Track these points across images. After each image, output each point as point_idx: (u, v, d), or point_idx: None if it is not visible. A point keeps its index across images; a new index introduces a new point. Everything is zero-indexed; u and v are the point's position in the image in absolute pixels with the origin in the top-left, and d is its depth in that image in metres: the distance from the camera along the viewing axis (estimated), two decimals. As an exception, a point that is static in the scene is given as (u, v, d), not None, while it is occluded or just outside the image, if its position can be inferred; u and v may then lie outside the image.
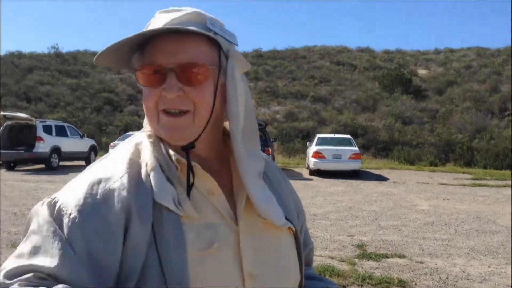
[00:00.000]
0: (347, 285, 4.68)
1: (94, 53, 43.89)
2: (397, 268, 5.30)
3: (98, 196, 0.81)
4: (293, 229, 0.98)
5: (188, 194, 0.85)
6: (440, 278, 4.99)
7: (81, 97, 32.15)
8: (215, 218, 0.87)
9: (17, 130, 17.60)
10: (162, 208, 0.82)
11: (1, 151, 16.24)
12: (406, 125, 26.30)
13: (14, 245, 5.88)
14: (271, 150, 17.44)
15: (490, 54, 38.00)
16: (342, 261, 5.55)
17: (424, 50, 44.00)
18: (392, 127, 25.64)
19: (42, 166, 17.13)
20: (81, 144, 19.04)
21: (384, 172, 18.43)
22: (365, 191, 12.45)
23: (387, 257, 5.78)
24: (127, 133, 20.30)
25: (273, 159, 18.60)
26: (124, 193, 0.81)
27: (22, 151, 16.58)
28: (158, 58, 0.84)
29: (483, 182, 15.50)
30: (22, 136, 17.63)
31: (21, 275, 0.73)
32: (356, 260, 5.63)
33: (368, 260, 5.61)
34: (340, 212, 9.02)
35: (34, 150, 16.27)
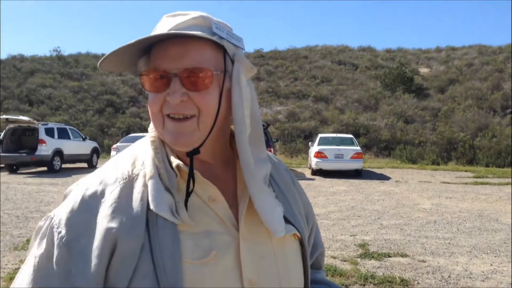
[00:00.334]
0: (350, 285, 4.68)
1: (95, 56, 44.13)
2: (399, 267, 5.30)
3: (88, 213, 0.83)
4: (298, 235, 0.96)
5: (186, 202, 0.84)
6: (442, 276, 4.98)
7: (83, 99, 32.22)
8: (215, 225, 0.87)
9: (19, 133, 17.66)
10: (159, 217, 0.82)
11: (4, 154, 16.31)
12: (408, 124, 26.28)
13: (17, 248, 5.90)
14: (273, 150, 17.42)
15: (491, 52, 37.91)
16: (345, 261, 5.55)
17: (426, 49, 43.98)
18: (394, 126, 25.63)
19: (45, 168, 17.16)
20: (83, 147, 19.06)
21: (386, 171, 18.41)
22: (367, 191, 12.45)
23: (389, 256, 5.78)
24: (129, 135, 20.35)
25: (275, 159, 18.56)
26: (113, 208, 0.82)
27: (25, 154, 16.63)
28: (163, 63, 0.84)
29: (485, 180, 15.48)
30: (25, 139, 17.69)
31: None
32: (359, 259, 5.63)
33: (371, 260, 5.61)
34: (342, 212, 9.02)
35: (37, 153, 16.31)
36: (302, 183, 14.17)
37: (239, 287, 0.84)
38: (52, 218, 0.85)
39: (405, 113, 27.28)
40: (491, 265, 5.46)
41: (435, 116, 27.11)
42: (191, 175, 0.85)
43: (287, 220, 0.94)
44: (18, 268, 4.95)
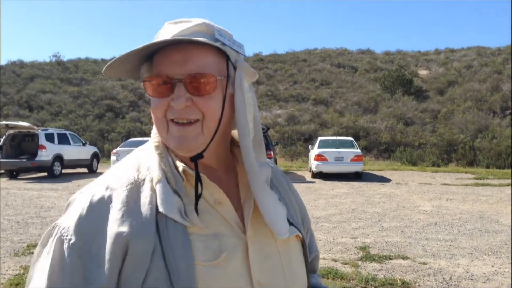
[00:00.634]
0: (351, 288, 4.67)
1: (95, 61, 44.25)
2: (400, 270, 5.29)
3: (97, 219, 0.82)
4: (300, 236, 0.99)
5: (196, 205, 0.85)
6: (443, 278, 4.98)
7: (82, 104, 32.23)
8: (222, 227, 0.88)
9: (19, 139, 17.66)
10: (168, 219, 0.82)
11: (4, 160, 16.30)
12: (408, 126, 26.28)
13: (17, 254, 5.89)
14: (273, 154, 17.43)
15: (490, 53, 37.98)
16: (346, 264, 5.54)
17: (425, 51, 44.07)
18: (394, 128, 25.62)
19: (45, 174, 17.15)
20: (84, 152, 19.05)
21: (386, 174, 18.40)
22: (367, 193, 12.44)
23: (390, 258, 5.77)
24: (130, 139, 20.32)
25: (275, 162, 18.60)
26: (122, 212, 0.82)
27: (25, 160, 16.62)
28: (166, 68, 0.85)
29: (486, 181, 15.47)
30: (25, 144, 17.70)
31: None
32: (359, 262, 5.62)
33: (371, 262, 5.60)
34: (343, 215, 9.02)
35: (37, 158, 16.30)
36: (303, 186, 14.17)
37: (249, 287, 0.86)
38: (60, 226, 0.84)
39: (404, 115, 27.28)
40: (492, 266, 5.46)
41: (434, 118, 27.11)
42: (198, 179, 0.86)
43: (289, 222, 0.96)
44: (19, 274, 4.95)
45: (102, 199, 0.84)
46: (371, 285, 4.72)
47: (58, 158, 17.09)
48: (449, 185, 14.52)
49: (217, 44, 0.86)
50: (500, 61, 34.36)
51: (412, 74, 34.15)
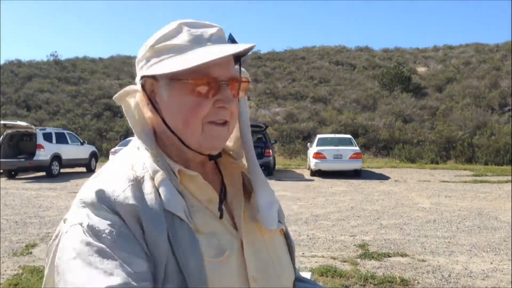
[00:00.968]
0: (350, 285, 4.67)
1: (93, 60, 44.19)
2: (399, 267, 5.29)
3: (109, 212, 0.80)
4: (284, 229, 1.01)
5: (220, 206, 0.89)
6: (442, 276, 4.98)
7: (80, 103, 32.20)
8: (217, 226, 0.88)
9: (17, 138, 17.63)
10: (174, 217, 0.82)
11: (2, 159, 16.26)
12: (406, 123, 26.30)
13: (16, 254, 5.88)
14: (271, 152, 17.43)
15: (489, 50, 37.99)
16: (344, 261, 5.54)
17: (423, 48, 44.06)
18: (393, 126, 25.64)
19: (43, 174, 17.13)
20: (82, 151, 19.04)
21: (385, 171, 18.42)
22: (366, 191, 12.44)
23: (389, 256, 5.77)
24: (128, 138, 20.31)
25: (274, 160, 18.60)
26: (133, 206, 0.81)
27: (23, 160, 16.60)
28: (213, 70, 0.86)
29: (484, 178, 15.49)
30: (23, 144, 17.66)
31: None
32: (358, 260, 5.62)
33: (370, 260, 5.60)
34: (342, 212, 9.02)
35: (35, 158, 16.27)
36: (301, 184, 14.18)
37: (246, 283, 0.87)
38: (80, 224, 0.80)
39: (403, 112, 27.29)
40: (491, 263, 5.46)
41: (433, 115, 27.13)
42: (223, 180, 0.95)
43: None
44: (17, 274, 4.95)
45: (108, 193, 0.82)
46: (370, 283, 4.72)
47: (56, 157, 17.07)
48: (448, 182, 14.53)
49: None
50: (499, 57, 34.39)
51: (410, 71, 34.16)
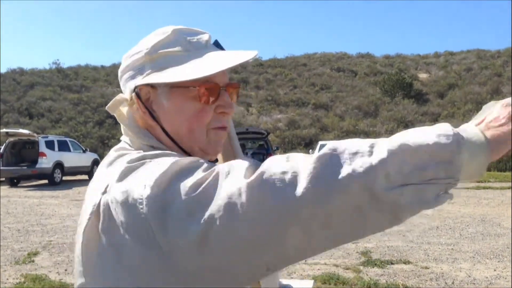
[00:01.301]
0: (353, 293, 4.65)
1: (95, 68, 44.33)
2: (403, 275, 5.27)
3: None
4: None
5: None
6: (445, 283, 4.95)
7: (83, 111, 32.29)
8: None
9: (19, 146, 17.65)
10: None
11: (4, 167, 16.28)
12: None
13: (18, 262, 5.87)
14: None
15: (490, 56, 38.04)
16: (347, 269, 5.52)
17: (424, 54, 44.18)
18: (394, 132, 24.97)
19: (45, 181, 17.13)
20: (84, 159, 19.04)
21: (387, 178, 18.35)
22: (369, 197, 12.39)
23: (392, 263, 5.75)
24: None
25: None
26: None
27: (25, 167, 16.61)
28: (215, 77, 0.86)
29: (487, 184, 15.45)
30: (25, 152, 17.67)
31: None
32: (361, 267, 5.59)
33: (373, 267, 5.57)
34: (344, 219, 8.97)
35: (37, 166, 16.28)
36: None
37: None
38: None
39: (405, 118, 27.31)
40: (495, 270, 5.43)
41: (435, 121, 27.11)
42: None
43: None
44: (19, 283, 4.94)
45: None
46: (373, 290, 4.70)
47: (59, 165, 17.07)
48: (450, 188, 14.46)
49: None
50: (500, 63, 34.42)
51: (412, 77, 34.21)
